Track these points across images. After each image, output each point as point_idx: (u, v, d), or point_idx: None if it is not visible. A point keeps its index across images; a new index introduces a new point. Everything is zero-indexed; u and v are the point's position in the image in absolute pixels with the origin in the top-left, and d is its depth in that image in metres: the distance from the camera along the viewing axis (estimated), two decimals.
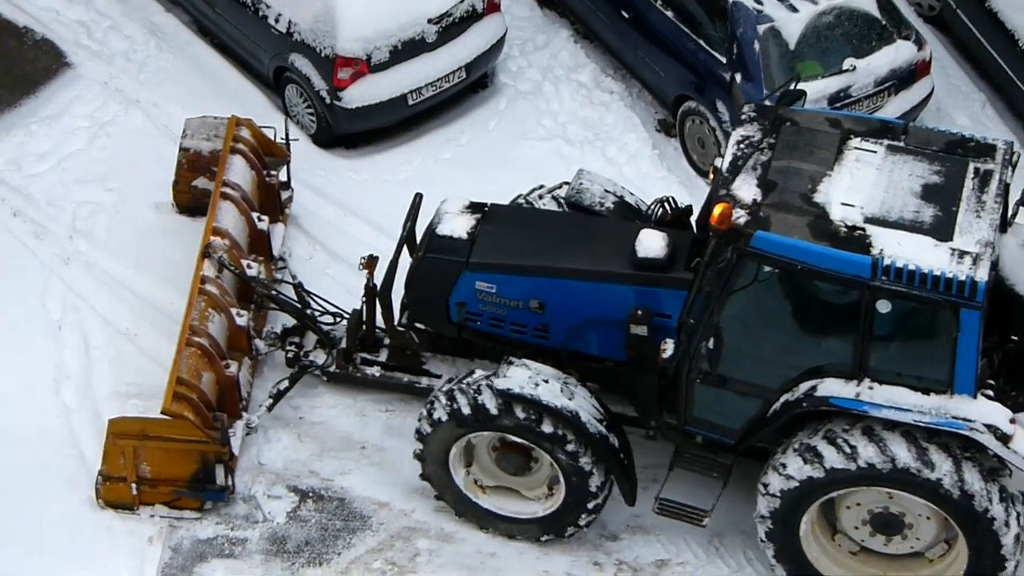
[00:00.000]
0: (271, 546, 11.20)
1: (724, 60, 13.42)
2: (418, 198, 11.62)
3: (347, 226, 13.32)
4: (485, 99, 14.70)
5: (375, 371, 11.81)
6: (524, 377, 10.50)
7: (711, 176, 10.77)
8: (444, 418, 10.66)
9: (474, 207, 11.34)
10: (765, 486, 10.32)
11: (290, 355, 11.89)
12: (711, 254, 9.97)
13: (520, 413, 10.46)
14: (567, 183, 11.93)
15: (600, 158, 14.01)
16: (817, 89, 13.12)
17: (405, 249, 11.46)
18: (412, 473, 11.27)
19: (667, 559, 11.16)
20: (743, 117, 10.57)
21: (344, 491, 11.54)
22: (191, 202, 13.08)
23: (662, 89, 14.30)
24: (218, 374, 11.21)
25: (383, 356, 11.85)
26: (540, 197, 11.87)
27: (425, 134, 14.33)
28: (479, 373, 10.73)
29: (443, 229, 11.20)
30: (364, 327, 11.70)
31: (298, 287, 12.10)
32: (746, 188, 10.03)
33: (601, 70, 14.93)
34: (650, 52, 14.18)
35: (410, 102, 13.99)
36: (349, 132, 14.11)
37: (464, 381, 10.67)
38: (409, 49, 13.85)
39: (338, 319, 11.94)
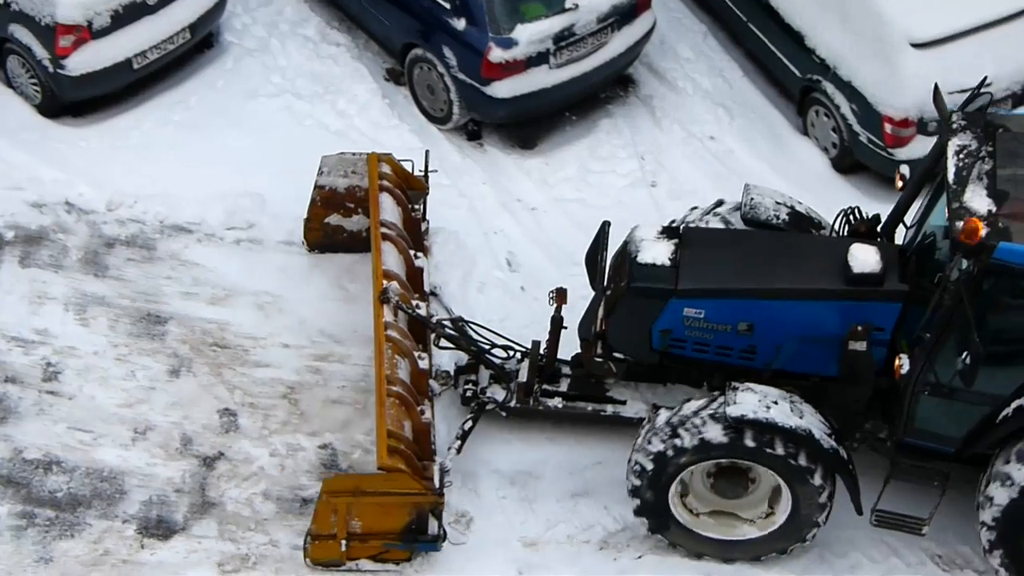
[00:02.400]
0: None
1: (448, 6, 13.55)
2: (606, 226, 11.38)
3: (80, 197, 13.12)
4: (212, 59, 14.63)
5: (557, 402, 11.47)
6: (755, 401, 10.32)
7: (899, 184, 10.78)
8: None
9: (667, 231, 11.06)
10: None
11: (468, 393, 11.54)
12: (957, 269, 9.82)
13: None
14: (722, 201, 11.77)
15: (331, 111, 14.09)
16: (541, 29, 13.45)
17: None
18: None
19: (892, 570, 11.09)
20: (954, 126, 10.42)
21: None
22: (322, 239, 12.73)
23: (389, 38, 14.39)
24: (414, 421, 10.87)
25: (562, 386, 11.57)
26: (704, 216, 11.62)
27: (153, 97, 14.25)
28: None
29: (644, 257, 10.84)
30: (544, 359, 11.34)
31: (459, 321, 11.72)
32: (978, 200, 9.87)
33: (327, 23, 14.94)
34: (375, 2, 14.23)
35: (135, 66, 13.86)
36: (75, 100, 13.92)
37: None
38: (130, 13, 13.73)
39: (509, 352, 11.62)
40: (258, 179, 13.21)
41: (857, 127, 13.34)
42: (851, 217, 11.29)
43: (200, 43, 14.43)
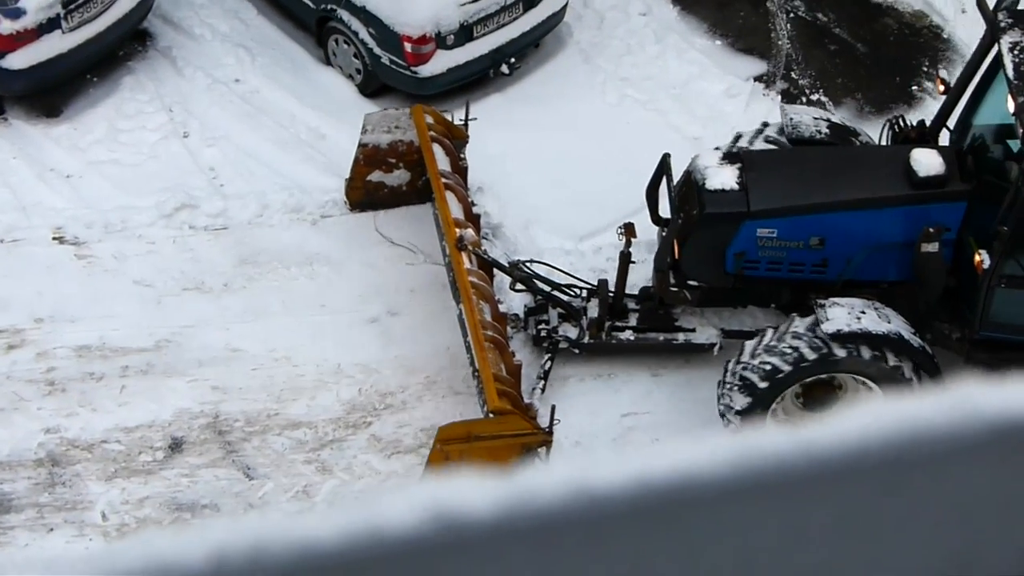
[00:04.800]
0: None
1: None
2: (667, 158, 11.45)
3: None
4: None
5: (628, 336, 11.66)
6: (845, 315, 10.61)
7: (940, 89, 11.08)
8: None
9: (729, 157, 11.23)
10: None
11: (541, 333, 11.65)
12: None
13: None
14: (766, 124, 12.01)
15: None
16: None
17: None
18: None
19: None
20: (1002, 24, 10.58)
21: None
22: (364, 198, 12.72)
23: None
24: (507, 363, 10.94)
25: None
26: (752, 141, 11.77)
27: None
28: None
29: (712, 183, 11.00)
30: (614, 295, 11.55)
31: (529, 262, 11.89)
32: None
33: None
34: None
35: None
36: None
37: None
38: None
39: (573, 291, 11.81)
40: None
41: (378, 50, 13.61)
42: (896, 126, 11.65)
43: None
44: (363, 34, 13.65)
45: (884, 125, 11.82)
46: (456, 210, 11.75)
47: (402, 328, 12.02)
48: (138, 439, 11.22)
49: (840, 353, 10.67)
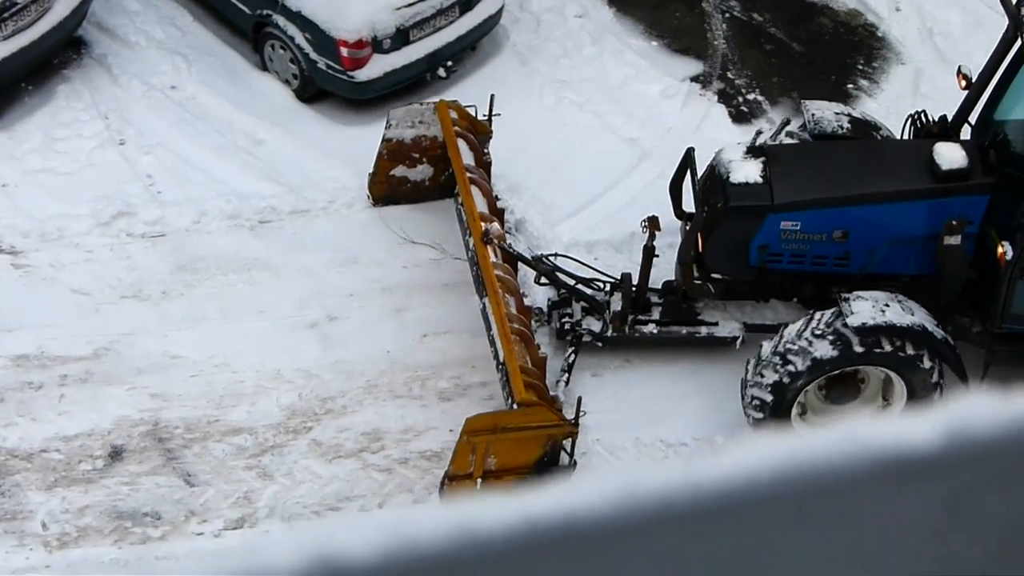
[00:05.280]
0: None
1: None
2: (692, 152, 11.48)
3: None
4: None
5: (652, 329, 11.74)
6: (869, 308, 10.66)
7: (962, 84, 11.11)
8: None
9: (752, 151, 11.30)
10: None
11: (566, 327, 11.74)
12: None
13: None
14: (788, 120, 12.10)
15: None
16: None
17: None
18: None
19: None
20: (1015, 3, 10.72)
21: None
22: (387, 193, 12.81)
23: None
24: (532, 356, 10.99)
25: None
26: (776, 137, 11.86)
27: None
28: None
29: (736, 177, 11.05)
30: (636, 289, 11.62)
31: (552, 256, 11.98)
32: None
33: None
34: None
35: None
36: None
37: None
38: None
39: (597, 284, 11.89)
40: None
41: (314, 55, 13.60)
42: (919, 121, 11.72)
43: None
44: (299, 39, 13.64)
45: (906, 120, 11.89)
46: (481, 204, 11.84)
47: (342, 333, 12.01)
48: (78, 448, 11.16)
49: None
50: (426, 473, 11.19)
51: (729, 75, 14.48)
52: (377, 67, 13.47)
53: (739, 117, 14.01)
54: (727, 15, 15.04)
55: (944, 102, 13.43)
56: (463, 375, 11.78)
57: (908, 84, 14.40)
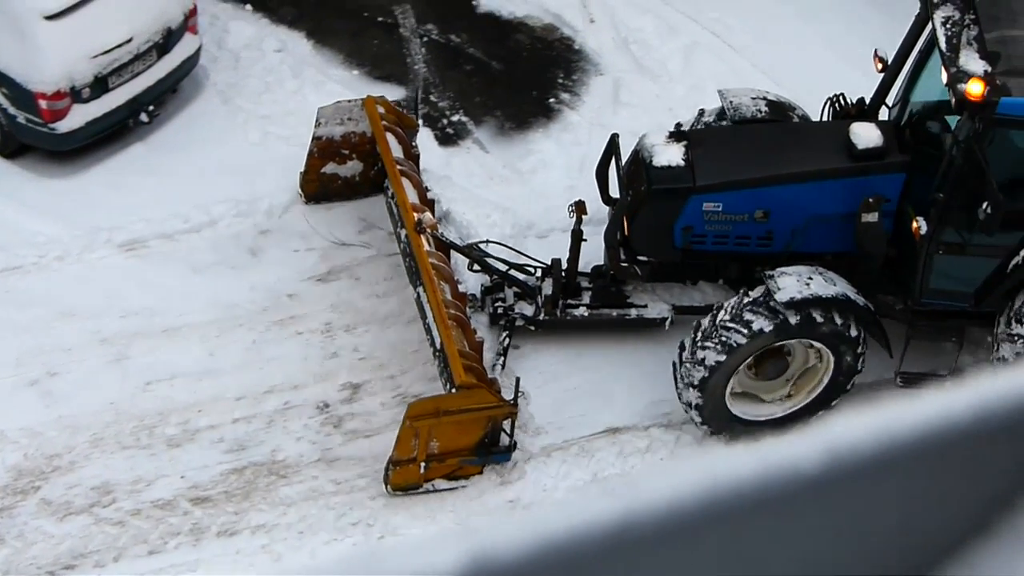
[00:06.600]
0: None
1: None
2: (616, 138, 11.73)
3: None
4: None
5: (583, 312, 12.05)
6: (795, 282, 10.96)
7: (878, 67, 11.43)
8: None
9: (675, 135, 11.62)
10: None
11: (499, 311, 11.97)
12: (964, 129, 10.51)
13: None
14: (703, 111, 12.31)
15: None
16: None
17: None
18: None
19: None
20: (935, 1, 10.93)
21: None
22: (319, 190, 13.08)
23: None
24: (470, 340, 11.29)
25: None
26: (694, 126, 12.10)
27: None
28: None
29: (659, 160, 11.42)
30: (567, 273, 11.92)
31: (484, 243, 12.23)
32: (973, 63, 10.45)
33: None
34: None
35: None
36: None
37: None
38: None
39: (527, 270, 12.17)
40: None
41: (12, 110, 13.26)
42: (837, 104, 11.96)
43: None
44: None
45: (825, 102, 12.19)
46: (412, 195, 12.15)
47: (63, 387, 11.83)
48: None
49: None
50: (160, 523, 11.13)
51: (432, 98, 14.65)
52: (78, 117, 13.26)
53: (445, 139, 14.13)
54: (425, 39, 15.17)
55: (643, 108, 13.92)
56: (190, 419, 11.75)
57: (608, 94, 14.67)
